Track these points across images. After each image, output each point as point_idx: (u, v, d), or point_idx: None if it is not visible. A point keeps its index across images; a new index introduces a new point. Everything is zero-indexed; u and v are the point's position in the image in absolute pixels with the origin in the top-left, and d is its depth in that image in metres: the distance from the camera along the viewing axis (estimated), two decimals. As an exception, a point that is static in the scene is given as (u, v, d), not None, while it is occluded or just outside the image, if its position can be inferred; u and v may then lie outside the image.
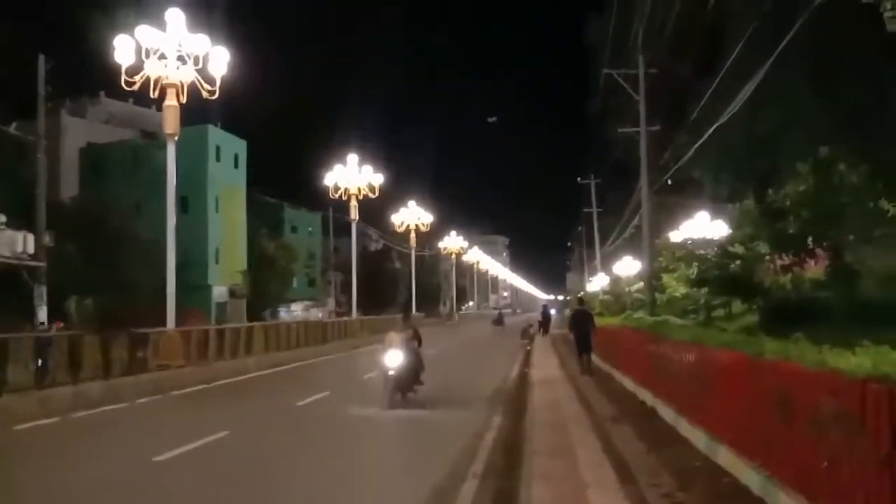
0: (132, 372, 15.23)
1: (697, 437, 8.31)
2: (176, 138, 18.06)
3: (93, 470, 8.37)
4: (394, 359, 12.45)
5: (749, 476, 6.40)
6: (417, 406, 12.58)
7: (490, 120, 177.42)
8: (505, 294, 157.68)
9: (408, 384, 12.80)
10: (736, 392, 6.95)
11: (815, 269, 13.80)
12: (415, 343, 13.41)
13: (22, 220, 26.26)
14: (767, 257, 13.68)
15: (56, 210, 32.55)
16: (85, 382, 13.51)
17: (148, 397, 14.49)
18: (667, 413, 10.22)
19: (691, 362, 8.82)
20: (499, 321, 54.38)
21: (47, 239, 26.30)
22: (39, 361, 12.96)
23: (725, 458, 7.20)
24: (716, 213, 23.28)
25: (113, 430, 11.31)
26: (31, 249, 25.49)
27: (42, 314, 25.61)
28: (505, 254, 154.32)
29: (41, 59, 26.33)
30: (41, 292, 25.75)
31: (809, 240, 12.63)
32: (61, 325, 22.43)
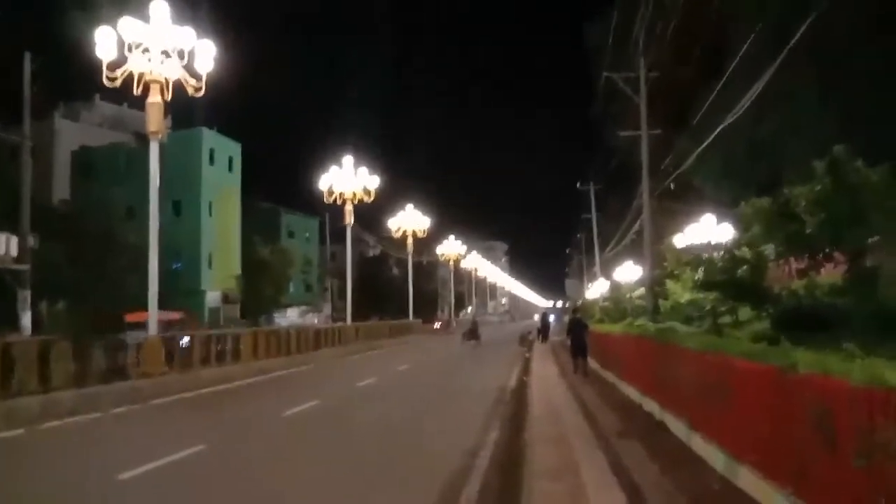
0: (109, 380, 14.43)
1: (714, 455, 7.54)
2: (160, 137, 17.33)
3: (45, 489, 7.60)
4: None
5: (779, 504, 5.64)
6: None
7: None
8: (503, 300, 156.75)
9: None
10: (761, 408, 6.18)
11: (830, 273, 13.05)
12: None
13: (10, 223, 25.54)
14: (781, 261, 12.88)
15: (44, 213, 31.84)
16: (56, 391, 12.72)
17: (126, 406, 13.70)
18: (677, 427, 9.46)
19: (706, 373, 8.04)
20: (472, 334, 38.54)
21: (32, 241, 25.55)
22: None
23: (749, 481, 6.43)
24: (720, 218, 22.63)
25: (79, 443, 10.51)
26: (14, 252, 24.71)
27: (26, 319, 24.81)
28: (504, 259, 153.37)
29: (27, 57, 25.68)
30: (25, 296, 24.96)
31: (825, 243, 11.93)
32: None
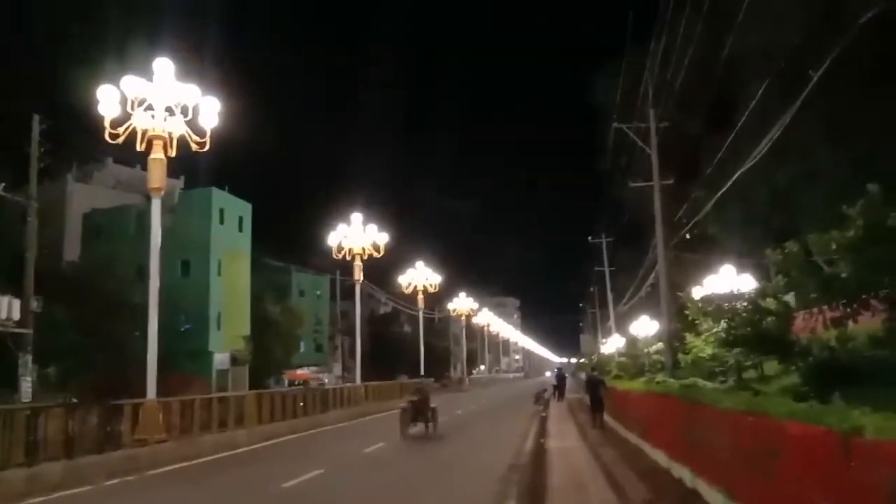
0: (103, 449, 13.63)
1: (760, 531, 6.68)
2: (162, 194, 16.90)
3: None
4: None
5: None
6: None
7: None
8: (517, 357, 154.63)
9: None
10: (818, 480, 5.38)
11: (866, 323, 12.23)
12: None
13: (15, 286, 25.07)
14: (814, 310, 12.06)
15: (52, 275, 31.42)
16: (43, 463, 11.93)
17: (119, 478, 12.88)
18: (713, 497, 8.57)
19: (746, 436, 7.22)
20: (416, 410, 21.25)
21: (35, 304, 25.00)
22: None
23: (805, 565, 5.57)
24: (740, 268, 21.93)
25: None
26: (16, 315, 24.13)
27: (26, 385, 24.07)
28: (516, 316, 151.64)
29: (35, 119, 25.69)
30: (26, 361, 24.26)
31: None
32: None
